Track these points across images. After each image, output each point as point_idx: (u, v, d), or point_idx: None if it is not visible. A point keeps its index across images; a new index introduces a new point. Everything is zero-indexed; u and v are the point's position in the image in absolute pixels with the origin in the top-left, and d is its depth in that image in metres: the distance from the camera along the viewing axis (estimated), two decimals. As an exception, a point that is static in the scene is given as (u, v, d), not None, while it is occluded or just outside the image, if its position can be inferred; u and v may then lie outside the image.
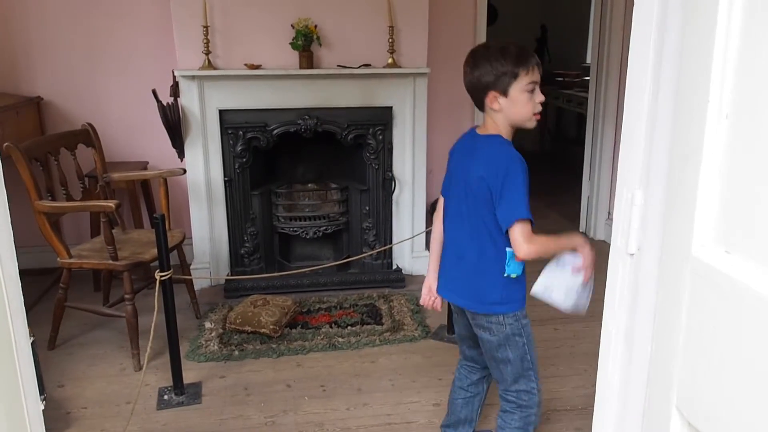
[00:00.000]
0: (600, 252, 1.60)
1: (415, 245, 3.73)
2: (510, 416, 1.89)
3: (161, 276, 2.40)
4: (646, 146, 1.03)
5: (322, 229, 3.61)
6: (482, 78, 1.65)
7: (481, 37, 3.89)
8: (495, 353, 1.82)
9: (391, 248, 3.70)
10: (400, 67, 3.38)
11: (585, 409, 2.46)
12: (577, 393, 2.57)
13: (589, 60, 6.69)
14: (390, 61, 3.35)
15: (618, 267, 1.12)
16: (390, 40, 3.32)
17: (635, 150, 1.06)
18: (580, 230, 4.57)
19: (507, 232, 1.65)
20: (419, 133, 3.54)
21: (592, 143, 4.37)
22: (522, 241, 1.63)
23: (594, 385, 1.22)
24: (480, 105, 1.71)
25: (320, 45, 3.29)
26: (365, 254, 3.53)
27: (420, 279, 3.80)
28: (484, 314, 1.77)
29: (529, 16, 7.33)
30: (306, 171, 3.72)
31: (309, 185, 3.70)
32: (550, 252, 1.74)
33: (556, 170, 6.36)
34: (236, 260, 3.56)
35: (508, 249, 1.69)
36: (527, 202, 1.64)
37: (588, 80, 6.02)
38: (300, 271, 3.12)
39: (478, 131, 1.77)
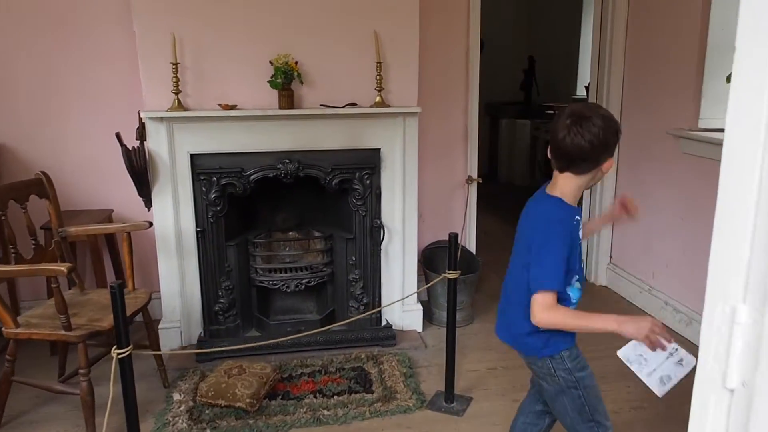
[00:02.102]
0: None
1: (406, 295, 3.42)
2: None
3: (118, 354, 2.06)
4: (754, 242, 0.75)
5: (304, 281, 3.29)
6: (607, 141, 1.63)
7: (475, 73, 3.65)
8: (552, 403, 1.85)
9: (380, 302, 3.38)
10: (388, 106, 3.12)
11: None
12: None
13: (579, 92, 6.55)
14: (378, 99, 3.09)
15: (709, 405, 0.82)
16: (377, 77, 3.05)
17: (737, 247, 0.77)
18: (580, 275, 4.29)
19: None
20: (410, 177, 3.26)
21: (591, 182, 4.12)
22: (538, 311, 1.64)
23: None
24: (587, 161, 1.65)
25: (301, 83, 3.02)
26: (353, 318, 3.21)
27: (412, 334, 3.52)
28: (533, 358, 1.79)
29: (516, 47, 7.17)
30: (287, 219, 3.42)
31: (290, 234, 3.40)
32: (571, 328, 1.71)
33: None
34: (210, 317, 3.22)
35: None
36: (558, 268, 1.63)
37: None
38: (281, 339, 2.77)
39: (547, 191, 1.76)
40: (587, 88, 6.22)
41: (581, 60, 6.55)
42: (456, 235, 2.62)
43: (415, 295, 3.44)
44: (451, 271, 2.62)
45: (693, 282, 3.30)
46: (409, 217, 3.32)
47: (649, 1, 3.58)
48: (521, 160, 7.15)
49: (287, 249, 3.37)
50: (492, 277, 4.10)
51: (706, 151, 3.12)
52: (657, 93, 3.49)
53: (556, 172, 1.71)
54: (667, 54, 3.41)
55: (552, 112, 6.22)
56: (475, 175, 3.80)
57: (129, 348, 2.08)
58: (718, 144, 3.07)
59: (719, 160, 2.72)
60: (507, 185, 6.99)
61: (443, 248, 3.79)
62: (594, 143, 1.61)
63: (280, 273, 3.29)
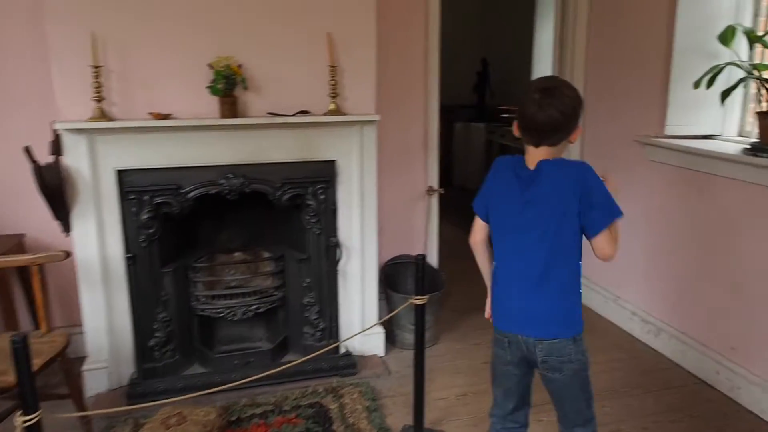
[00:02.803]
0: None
1: (365, 320, 3.13)
2: None
3: (25, 422, 1.69)
4: None
5: (252, 307, 2.95)
6: (576, 110, 1.68)
7: (434, 77, 3.38)
8: (561, 392, 1.82)
9: (337, 327, 3.08)
10: (344, 113, 2.81)
11: None
12: None
13: (533, 95, 6.39)
14: (332, 107, 2.78)
15: None
16: (331, 83, 2.74)
17: None
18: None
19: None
20: (368, 190, 2.96)
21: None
22: (611, 243, 1.71)
23: None
24: (560, 132, 1.68)
25: (246, 88, 2.68)
26: (311, 356, 2.89)
27: (374, 360, 3.23)
28: (563, 344, 1.74)
29: (469, 49, 6.97)
30: (231, 239, 3.07)
31: (235, 256, 3.05)
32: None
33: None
34: (144, 354, 2.83)
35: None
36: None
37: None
38: (230, 385, 2.41)
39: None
40: (543, 90, 6.09)
41: (535, 63, 6.39)
42: (423, 257, 2.34)
43: (376, 316, 3.15)
44: (418, 297, 2.34)
45: (660, 292, 3.15)
46: (368, 233, 3.02)
47: (612, 5, 3.40)
48: (476, 164, 6.96)
49: (233, 272, 3.02)
50: (455, 291, 3.85)
51: (673, 159, 2.98)
52: (622, 99, 3.32)
53: (531, 148, 1.73)
54: (632, 59, 3.25)
55: (507, 115, 6.03)
56: (436, 185, 3.53)
57: (38, 413, 1.70)
58: (685, 151, 2.88)
59: (686, 168, 2.50)
60: (462, 190, 6.78)
61: (404, 264, 3.52)
62: (566, 113, 1.66)
63: (225, 299, 2.94)
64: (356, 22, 2.80)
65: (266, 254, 3.05)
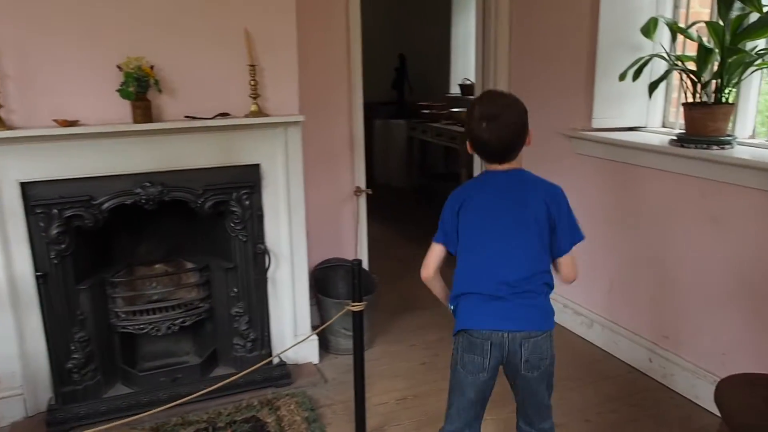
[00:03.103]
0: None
1: (298, 328, 3.05)
2: None
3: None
4: None
5: (177, 321, 2.81)
6: (525, 122, 1.80)
7: (357, 73, 3.34)
8: (537, 387, 1.83)
9: (269, 337, 2.98)
10: (266, 115, 2.72)
11: None
12: None
13: (453, 90, 6.46)
14: (254, 108, 2.68)
15: None
16: (252, 83, 2.64)
17: None
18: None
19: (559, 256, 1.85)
20: (295, 194, 2.88)
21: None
22: (574, 265, 1.87)
23: None
24: (517, 149, 1.81)
25: (160, 91, 2.53)
26: (246, 371, 2.77)
27: (308, 368, 3.15)
28: (546, 336, 1.80)
29: (386, 44, 6.95)
30: (152, 250, 2.91)
31: (156, 268, 2.89)
32: None
33: (440, 209, 5.97)
34: (62, 378, 2.64)
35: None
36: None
37: (457, 112, 5.76)
38: (158, 410, 2.27)
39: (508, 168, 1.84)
40: (462, 86, 6.17)
41: (454, 57, 6.47)
42: (359, 263, 2.29)
43: (309, 323, 3.08)
44: (355, 303, 2.28)
45: (590, 284, 3.22)
46: (297, 239, 2.94)
47: (534, -2, 3.44)
48: (397, 161, 6.97)
49: (154, 286, 2.86)
50: (385, 290, 3.82)
51: (600, 152, 3.05)
52: (548, 92, 3.37)
53: (495, 166, 1.83)
54: (557, 53, 3.28)
55: (428, 111, 6.07)
56: (363, 186, 3.49)
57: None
58: (611, 144, 2.98)
59: (613, 160, 2.84)
60: (384, 188, 6.77)
61: (334, 268, 3.46)
62: (517, 131, 1.78)
63: (148, 314, 2.78)
64: (276, 19, 2.71)
65: (190, 265, 2.91)
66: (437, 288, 2.00)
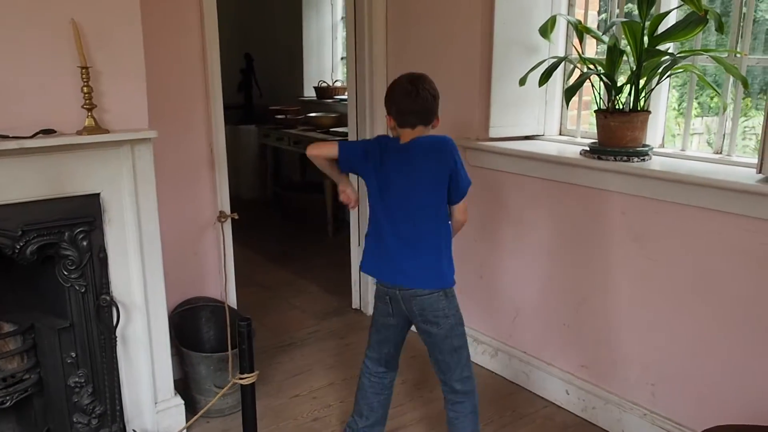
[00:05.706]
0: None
1: (159, 391, 2.48)
2: (461, 405, 2.13)
3: None
4: None
5: (-6, 402, 2.12)
6: (437, 100, 2.04)
7: (216, 76, 2.82)
8: (441, 344, 2.07)
9: (121, 408, 2.37)
10: (106, 131, 2.11)
11: None
12: None
13: (307, 93, 6.04)
14: (89, 122, 2.06)
15: None
16: (85, 89, 2.03)
17: None
18: (354, 307, 3.79)
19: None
20: (149, 227, 2.31)
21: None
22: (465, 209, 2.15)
23: None
24: (431, 119, 2.04)
25: (-49, 101, 1.84)
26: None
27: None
28: (437, 296, 2.03)
29: (231, 43, 6.31)
30: (-51, 315, 2.17)
31: (-41, 336, 2.16)
32: None
33: (299, 222, 5.52)
34: None
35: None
36: None
37: (315, 117, 5.35)
38: None
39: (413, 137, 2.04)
40: (318, 88, 5.77)
41: (306, 58, 6.05)
42: (249, 323, 1.82)
43: (171, 385, 2.51)
44: (244, 376, 1.79)
45: (491, 307, 2.97)
46: (152, 283, 2.36)
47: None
48: (248, 170, 6.41)
49: (-44, 360, 2.13)
50: (256, 327, 3.31)
51: (496, 163, 2.79)
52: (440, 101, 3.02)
53: (407, 130, 2.02)
54: (446, 51, 2.93)
55: (283, 116, 5.59)
56: (228, 210, 2.97)
57: None
58: (513, 155, 2.51)
59: (517, 174, 2.70)
60: (234, 200, 6.16)
61: (194, 309, 2.91)
62: (435, 95, 2.01)
63: (-51, 399, 2.06)
64: (113, 9, 2.11)
65: (8, 327, 2.22)
66: (323, 168, 2.18)
